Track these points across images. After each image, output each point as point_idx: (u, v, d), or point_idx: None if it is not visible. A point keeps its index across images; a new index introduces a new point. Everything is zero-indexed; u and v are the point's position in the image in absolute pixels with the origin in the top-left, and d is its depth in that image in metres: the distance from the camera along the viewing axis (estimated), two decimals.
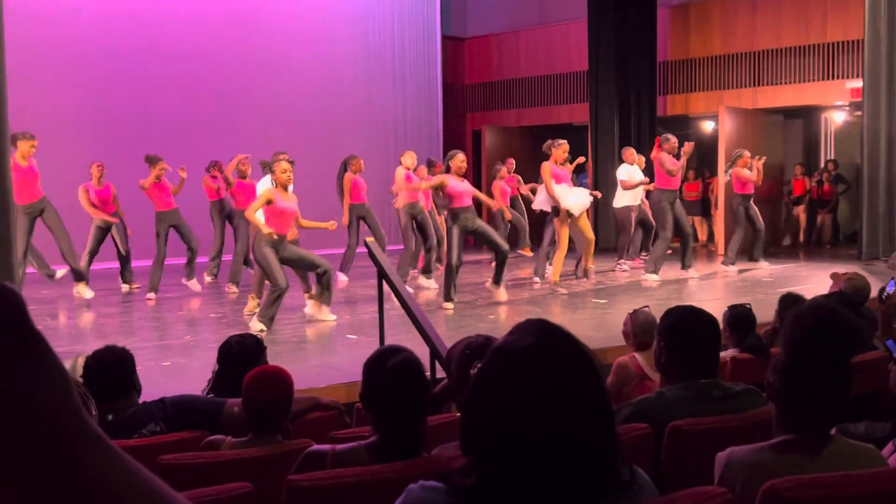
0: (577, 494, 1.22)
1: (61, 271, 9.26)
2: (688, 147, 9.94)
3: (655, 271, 9.91)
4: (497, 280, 8.53)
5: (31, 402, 0.49)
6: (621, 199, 11.18)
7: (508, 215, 11.77)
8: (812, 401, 1.68)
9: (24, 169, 8.42)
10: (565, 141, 9.29)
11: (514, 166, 12.55)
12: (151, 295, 8.95)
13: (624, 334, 4.20)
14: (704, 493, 1.31)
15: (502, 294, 8.46)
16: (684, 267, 10.26)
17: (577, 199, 9.04)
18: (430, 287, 9.71)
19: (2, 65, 5.79)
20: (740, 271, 10.64)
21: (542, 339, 1.25)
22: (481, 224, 8.53)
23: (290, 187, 7.34)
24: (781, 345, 1.75)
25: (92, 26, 12.20)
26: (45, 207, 8.65)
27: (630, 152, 11.21)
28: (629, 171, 11.04)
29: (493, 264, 8.74)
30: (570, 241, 9.20)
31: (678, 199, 10.19)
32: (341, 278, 10.30)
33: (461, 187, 8.26)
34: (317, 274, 7.40)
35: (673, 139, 10.12)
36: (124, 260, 9.86)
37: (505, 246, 8.52)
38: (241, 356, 3.35)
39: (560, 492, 1.21)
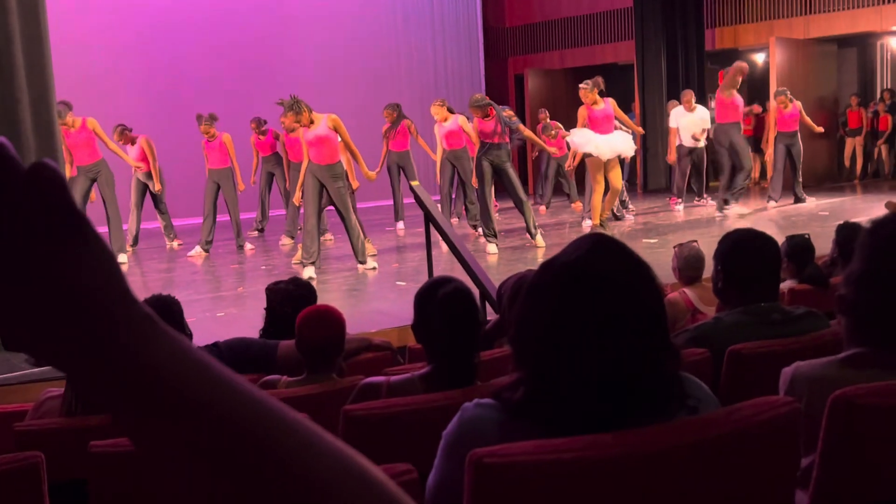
0: (629, 402, 1.18)
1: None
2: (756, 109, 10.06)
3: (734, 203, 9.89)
4: (528, 231, 8.47)
5: (81, 282, 0.47)
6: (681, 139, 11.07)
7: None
8: (889, 312, 1.61)
9: (74, 132, 8.52)
10: (590, 81, 8.80)
11: (548, 116, 12.18)
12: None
13: (672, 270, 4.13)
14: (770, 403, 1.26)
15: (539, 242, 8.35)
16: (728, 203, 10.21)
17: (607, 142, 8.73)
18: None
19: (44, 22, 5.83)
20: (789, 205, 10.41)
21: (593, 249, 1.21)
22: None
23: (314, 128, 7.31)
24: (856, 256, 1.68)
25: None
26: (102, 170, 8.74)
27: (688, 97, 11.00)
28: (675, 115, 10.95)
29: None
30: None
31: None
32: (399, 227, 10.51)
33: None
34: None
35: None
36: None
37: (521, 194, 8.47)
38: (291, 296, 3.36)
39: (613, 400, 1.17)
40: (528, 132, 9.05)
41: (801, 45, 13.34)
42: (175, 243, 9.96)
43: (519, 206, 8.42)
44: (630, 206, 10.93)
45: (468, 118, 8.93)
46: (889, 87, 14.40)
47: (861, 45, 14.68)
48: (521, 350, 1.27)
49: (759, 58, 14.80)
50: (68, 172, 8.25)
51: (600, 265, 1.21)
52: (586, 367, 1.17)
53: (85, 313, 0.47)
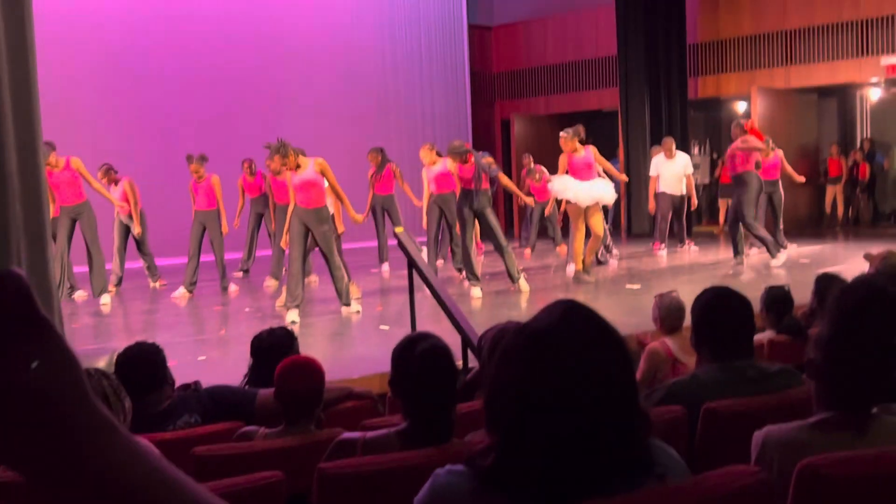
0: (597, 472, 1.20)
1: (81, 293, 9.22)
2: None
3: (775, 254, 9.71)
4: (509, 277, 8.50)
5: (36, 388, 0.48)
6: (660, 186, 11.19)
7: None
8: (855, 377, 1.64)
9: (57, 173, 8.53)
10: (570, 129, 8.84)
11: (532, 160, 12.28)
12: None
13: (653, 319, 4.16)
14: (737, 472, 1.28)
15: (523, 286, 8.37)
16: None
17: (586, 189, 8.80)
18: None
19: (33, 67, 5.87)
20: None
21: (565, 317, 1.23)
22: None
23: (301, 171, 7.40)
24: (825, 320, 1.71)
25: (118, 28, 12.31)
26: (85, 212, 8.74)
27: (669, 144, 11.15)
28: (656, 163, 11.12)
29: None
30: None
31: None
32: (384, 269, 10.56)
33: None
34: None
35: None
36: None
37: (501, 239, 8.50)
38: (272, 348, 3.37)
39: (580, 470, 1.19)
40: (506, 181, 9.08)
41: (782, 94, 13.57)
42: (158, 284, 9.93)
43: (500, 251, 8.47)
44: (614, 250, 11.00)
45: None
46: (868, 136, 14.64)
47: (841, 95, 14.94)
48: (493, 416, 1.28)
49: (740, 106, 15.03)
50: (52, 212, 8.24)
51: (570, 333, 1.22)
52: (555, 436, 1.19)
53: (46, 422, 0.48)
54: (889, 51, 12.43)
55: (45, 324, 0.50)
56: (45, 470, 0.49)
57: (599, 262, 10.05)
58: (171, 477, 0.51)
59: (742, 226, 9.71)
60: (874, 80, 13.40)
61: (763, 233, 9.73)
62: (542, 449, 1.19)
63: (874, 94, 14.58)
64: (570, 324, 1.23)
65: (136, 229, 9.45)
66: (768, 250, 9.61)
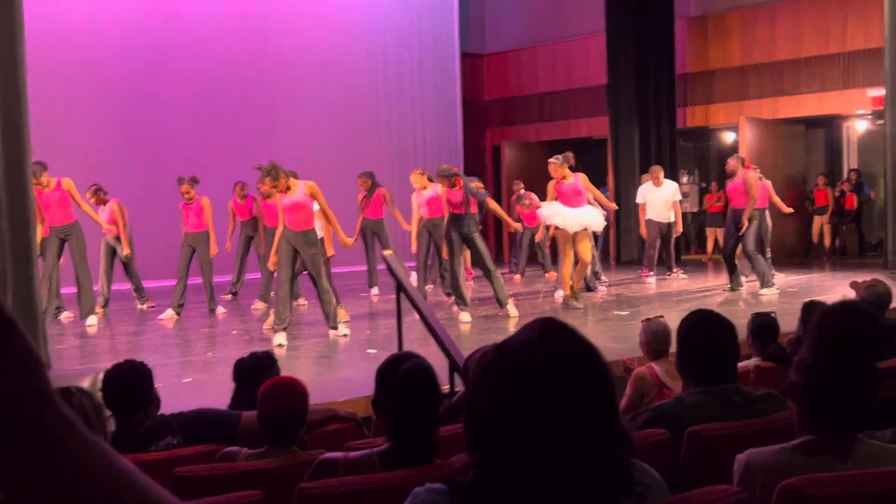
0: (576, 490, 1.19)
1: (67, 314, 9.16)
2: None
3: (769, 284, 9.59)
4: (498, 302, 8.51)
5: (5, 385, 0.49)
6: (648, 213, 11.24)
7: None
8: (837, 400, 1.64)
9: (48, 193, 8.52)
10: (560, 156, 8.89)
11: (522, 187, 12.33)
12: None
13: (640, 344, 4.17)
14: (717, 492, 1.27)
15: (512, 311, 8.38)
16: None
17: (575, 216, 8.84)
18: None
19: (24, 87, 5.87)
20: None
21: (544, 333, 1.22)
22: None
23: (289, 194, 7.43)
24: (807, 343, 1.71)
25: (110, 49, 12.35)
26: (74, 233, 8.71)
27: (657, 172, 11.24)
28: (643, 191, 11.21)
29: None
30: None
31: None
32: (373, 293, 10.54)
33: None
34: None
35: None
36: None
37: (489, 263, 8.49)
38: (253, 371, 3.36)
39: (561, 487, 1.18)
40: (494, 205, 9.08)
41: (769, 124, 13.69)
42: (146, 306, 9.89)
43: (487, 275, 8.47)
44: (602, 277, 11.03)
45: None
46: (855, 167, 14.76)
47: (828, 127, 15.09)
48: (472, 433, 1.27)
49: (729, 136, 15.15)
50: (40, 232, 8.22)
51: (549, 348, 1.22)
52: (534, 453, 1.18)
53: (9, 419, 0.48)
54: (875, 83, 12.57)
55: (10, 324, 0.50)
56: (7, 464, 0.48)
57: (589, 289, 10.07)
58: (134, 477, 0.51)
59: (746, 255, 9.72)
60: (860, 111, 13.55)
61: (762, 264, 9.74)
62: (521, 466, 1.18)
63: (861, 126, 14.73)
64: (548, 339, 1.23)
65: (123, 251, 9.42)
66: (763, 281, 9.62)
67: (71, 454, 0.50)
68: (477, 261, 8.72)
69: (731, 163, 9.80)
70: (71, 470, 0.49)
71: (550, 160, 8.95)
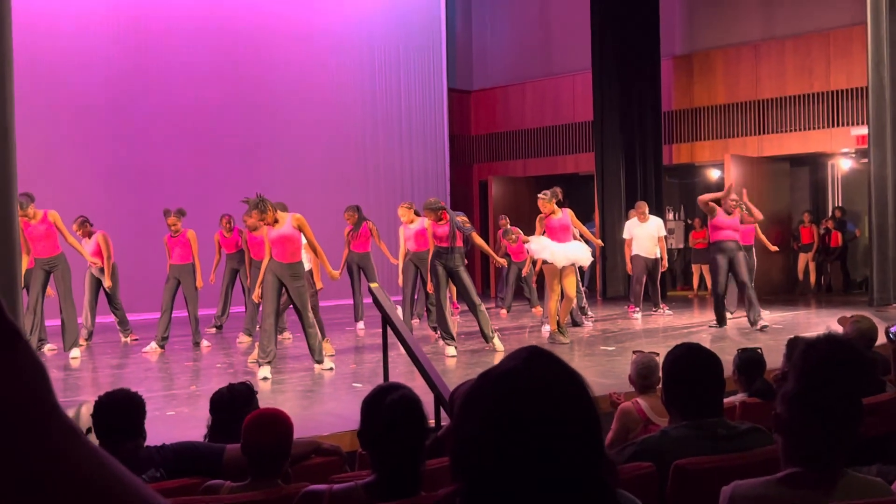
0: None
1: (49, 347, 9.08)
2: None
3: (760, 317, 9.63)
4: (483, 337, 8.51)
5: (7, 392, 0.49)
6: (634, 249, 11.28)
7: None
8: (821, 432, 1.65)
9: (34, 225, 8.49)
10: (549, 191, 8.94)
11: (508, 222, 12.31)
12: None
13: (629, 377, 4.18)
14: None
15: (497, 345, 8.38)
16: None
17: (562, 251, 8.87)
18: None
19: (11, 120, 5.88)
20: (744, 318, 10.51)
21: (528, 361, 1.23)
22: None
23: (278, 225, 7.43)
24: (791, 375, 1.72)
25: (97, 81, 12.38)
26: (60, 265, 8.67)
27: (643, 208, 11.31)
28: (629, 226, 11.27)
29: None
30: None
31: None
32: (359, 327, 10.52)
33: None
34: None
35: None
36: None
37: (474, 297, 8.51)
38: (232, 404, 3.33)
39: None
40: (479, 241, 9.07)
41: (755, 162, 13.83)
42: (129, 339, 9.82)
43: (473, 309, 8.46)
44: (589, 312, 11.04)
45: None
46: (840, 204, 14.89)
47: (813, 164, 15.25)
48: (456, 460, 1.27)
49: (714, 173, 15.28)
50: (25, 264, 8.17)
51: (534, 377, 1.22)
52: (517, 480, 1.17)
53: (14, 422, 0.48)
54: (859, 122, 12.74)
55: (15, 330, 0.51)
56: (9, 472, 0.49)
57: (575, 324, 10.08)
58: (133, 483, 0.52)
59: (740, 284, 9.78)
60: (845, 150, 13.71)
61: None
62: (504, 493, 1.18)
63: (845, 164, 14.89)
64: (532, 367, 1.23)
65: (106, 282, 9.37)
66: (754, 314, 9.67)
67: (78, 467, 0.50)
68: (462, 295, 8.73)
69: (731, 203, 9.85)
70: (78, 482, 0.50)
71: (539, 195, 9.00)
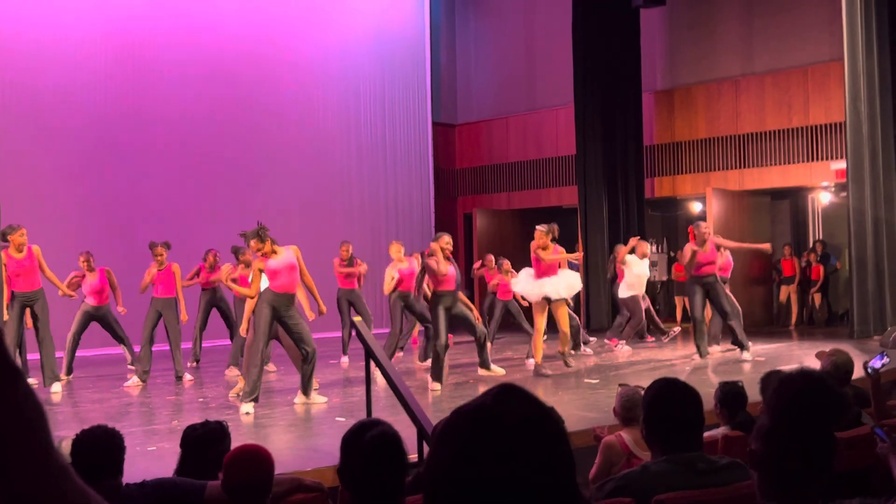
0: None
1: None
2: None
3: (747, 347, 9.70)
4: (483, 364, 8.67)
5: (8, 428, 0.50)
6: (624, 290, 11.24)
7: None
8: (796, 467, 1.67)
9: (19, 260, 8.45)
10: (546, 226, 9.04)
11: (493, 260, 12.29)
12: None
13: (613, 409, 4.19)
14: None
15: (497, 371, 8.59)
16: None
17: (553, 285, 8.94)
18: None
19: None
20: (725, 351, 10.55)
21: (499, 396, 1.24)
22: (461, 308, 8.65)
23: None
24: (765, 410, 1.74)
25: (82, 111, 12.40)
26: (40, 299, 8.62)
27: (644, 248, 11.34)
28: (630, 261, 11.22)
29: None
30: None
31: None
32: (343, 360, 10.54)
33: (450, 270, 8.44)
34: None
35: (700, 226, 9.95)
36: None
37: (481, 328, 8.77)
38: (204, 440, 3.32)
39: None
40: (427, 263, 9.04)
41: (736, 195, 13.97)
42: (185, 374, 9.57)
43: (478, 339, 8.74)
44: (589, 339, 11.31)
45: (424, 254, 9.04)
46: (820, 238, 15.03)
47: (793, 198, 15.41)
48: (429, 497, 1.27)
49: (696, 206, 15.41)
50: (6, 297, 8.13)
51: (504, 411, 1.23)
52: None
53: (13, 457, 0.50)
54: (837, 156, 12.91)
55: (16, 370, 0.52)
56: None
57: (575, 348, 10.33)
58: None
59: (722, 314, 9.87)
60: (824, 184, 13.87)
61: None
62: None
63: (825, 198, 15.06)
64: (503, 402, 1.24)
65: (121, 309, 9.48)
66: (743, 345, 9.76)
67: (67, 501, 0.52)
68: (468, 329, 8.82)
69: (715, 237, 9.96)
70: None
71: (538, 227, 9.09)
